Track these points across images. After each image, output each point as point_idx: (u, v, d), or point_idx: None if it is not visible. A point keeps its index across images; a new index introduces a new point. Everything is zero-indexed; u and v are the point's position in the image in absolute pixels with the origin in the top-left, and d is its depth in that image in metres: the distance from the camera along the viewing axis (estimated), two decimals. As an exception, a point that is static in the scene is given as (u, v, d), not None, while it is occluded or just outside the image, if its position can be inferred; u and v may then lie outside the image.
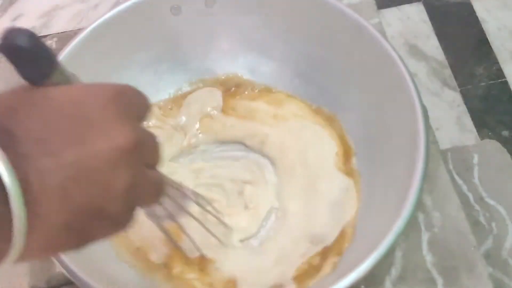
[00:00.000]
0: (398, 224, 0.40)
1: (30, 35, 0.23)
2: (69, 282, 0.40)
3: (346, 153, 0.54)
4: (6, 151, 0.21)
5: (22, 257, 0.22)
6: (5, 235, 0.21)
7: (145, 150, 0.27)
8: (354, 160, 0.53)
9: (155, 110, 0.58)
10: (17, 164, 0.21)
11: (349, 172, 0.53)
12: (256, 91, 0.59)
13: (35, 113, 0.23)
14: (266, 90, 0.59)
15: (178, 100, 0.59)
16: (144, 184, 0.27)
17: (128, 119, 0.25)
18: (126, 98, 0.26)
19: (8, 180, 0.20)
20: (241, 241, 0.50)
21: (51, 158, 0.22)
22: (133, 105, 0.27)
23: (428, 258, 0.48)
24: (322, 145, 0.55)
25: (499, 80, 0.84)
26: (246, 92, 0.60)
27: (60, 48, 0.55)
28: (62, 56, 0.50)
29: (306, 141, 0.55)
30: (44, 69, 0.24)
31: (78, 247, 0.25)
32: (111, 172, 0.24)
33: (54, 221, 0.22)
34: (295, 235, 0.50)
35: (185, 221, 0.44)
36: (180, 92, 0.60)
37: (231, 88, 0.60)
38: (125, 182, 0.24)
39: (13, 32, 0.23)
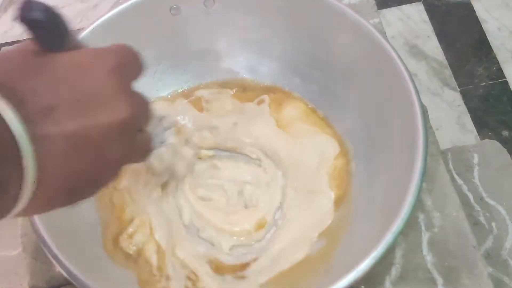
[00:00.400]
0: (397, 224, 0.40)
1: (44, 9, 0.24)
2: (69, 283, 0.40)
3: (344, 156, 0.54)
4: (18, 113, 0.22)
5: (22, 213, 0.24)
6: (13, 192, 0.22)
7: (139, 119, 0.29)
8: (352, 164, 0.53)
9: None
10: (27, 128, 0.22)
11: (341, 180, 0.53)
12: (257, 91, 0.59)
13: (43, 77, 0.24)
14: (267, 90, 0.59)
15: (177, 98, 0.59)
16: (134, 151, 0.29)
17: (127, 89, 0.27)
18: (126, 66, 0.28)
19: (22, 142, 0.22)
20: (230, 249, 0.50)
21: (56, 127, 0.23)
22: (132, 70, 0.29)
23: (428, 258, 0.48)
24: (321, 150, 0.55)
25: (499, 80, 0.84)
26: (247, 93, 0.60)
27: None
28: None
29: (305, 147, 0.55)
30: (58, 39, 0.26)
31: (70, 204, 0.27)
32: (108, 144, 0.26)
33: (54, 184, 0.24)
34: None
35: None
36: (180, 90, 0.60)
37: (232, 89, 0.60)
38: (119, 152, 0.27)
39: (28, 5, 0.24)
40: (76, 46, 0.27)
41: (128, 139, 0.27)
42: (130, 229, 0.49)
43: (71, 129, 0.24)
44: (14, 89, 0.23)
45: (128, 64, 0.29)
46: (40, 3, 0.24)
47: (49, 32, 0.25)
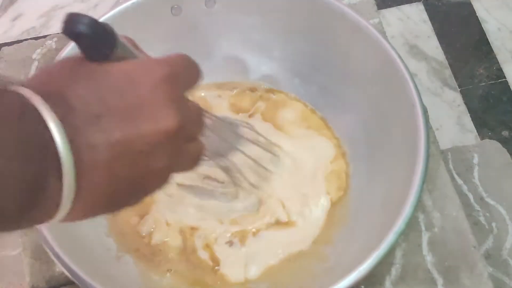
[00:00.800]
0: (399, 224, 0.40)
1: (89, 22, 0.24)
2: (69, 282, 0.40)
3: (343, 157, 0.54)
4: (63, 123, 0.22)
5: (65, 220, 0.24)
6: (54, 200, 0.22)
7: (188, 128, 0.28)
8: (352, 165, 0.54)
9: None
10: (71, 137, 0.22)
11: (341, 181, 0.53)
12: (257, 92, 0.60)
13: (92, 87, 0.24)
14: (266, 91, 0.59)
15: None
16: (182, 160, 0.29)
17: (175, 100, 0.26)
18: (178, 76, 0.28)
19: (63, 151, 0.22)
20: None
21: (102, 134, 0.23)
22: (185, 80, 0.29)
23: (428, 258, 0.48)
24: (318, 153, 0.55)
25: (499, 80, 0.84)
26: (247, 94, 0.60)
27: (60, 48, 0.55)
28: (62, 56, 0.50)
29: (300, 150, 0.55)
30: (104, 50, 0.25)
31: (112, 212, 0.27)
32: (153, 154, 0.25)
33: (96, 193, 0.24)
34: None
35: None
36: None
37: (233, 90, 0.60)
38: (164, 163, 0.26)
39: (73, 18, 0.24)
40: (126, 55, 0.27)
41: (176, 148, 0.27)
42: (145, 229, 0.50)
43: (116, 137, 0.24)
44: (63, 97, 0.23)
45: (180, 74, 0.28)
46: (85, 16, 0.24)
47: (95, 44, 0.25)
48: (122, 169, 0.24)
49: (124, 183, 0.25)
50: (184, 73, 0.29)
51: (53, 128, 0.22)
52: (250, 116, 0.59)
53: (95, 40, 0.25)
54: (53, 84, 0.24)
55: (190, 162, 0.31)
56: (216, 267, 0.49)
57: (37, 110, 0.22)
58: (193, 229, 0.51)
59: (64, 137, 0.22)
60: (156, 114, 0.25)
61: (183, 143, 0.28)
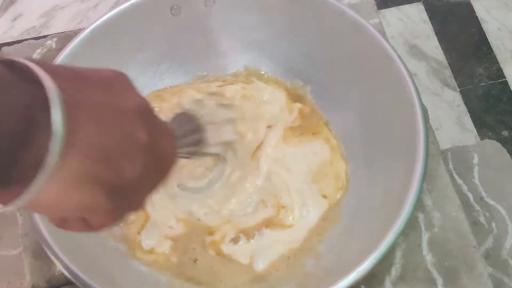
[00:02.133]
0: (398, 224, 0.40)
1: None
2: (69, 282, 0.40)
3: (342, 157, 0.54)
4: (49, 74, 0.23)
5: (46, 194, 0.23)
6: (45, 133, 0.22)
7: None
8: (351, 164, 0.54)
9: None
10: (58, 84, 0.23)
11: (340, 181, 0.53)
12: (257, 93, 0.60)
13: (78, 79, 0.26)
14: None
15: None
16: (161, 140, 0.29)
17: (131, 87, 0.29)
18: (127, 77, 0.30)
19: (54, 102, 0.22)
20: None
21: (86, 95, 0.24)
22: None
23: (428, 258, 0.48)
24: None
25: (499, 80, 0.84)
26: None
27: (60, 48, 0.55)
28: (61, 57, 0.50)
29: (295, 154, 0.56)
30: None
31: (90, 203, 0.25)
32: (133, 124, 0.26)
33: (87, 141, 0.24)
34: None
35: None
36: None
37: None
38: (145, 136, 0.27)
39: None
40: None
41: (151, 128, 0.28)
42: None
43: (100, 99, 0.25)
44: (46, 63, 0.24)
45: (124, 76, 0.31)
46: None
47: None
48: (106, 132, 0.25)
49: (114, 140, 0.25)
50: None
51: (44, 80, 0.22)
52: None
53: None
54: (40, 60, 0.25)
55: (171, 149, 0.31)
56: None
57: (27, 66, 0.23)
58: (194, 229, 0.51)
59: (56, 90, 0.22)
60: (128, 94, 0.27)
61: (157, 124, 0.29)
